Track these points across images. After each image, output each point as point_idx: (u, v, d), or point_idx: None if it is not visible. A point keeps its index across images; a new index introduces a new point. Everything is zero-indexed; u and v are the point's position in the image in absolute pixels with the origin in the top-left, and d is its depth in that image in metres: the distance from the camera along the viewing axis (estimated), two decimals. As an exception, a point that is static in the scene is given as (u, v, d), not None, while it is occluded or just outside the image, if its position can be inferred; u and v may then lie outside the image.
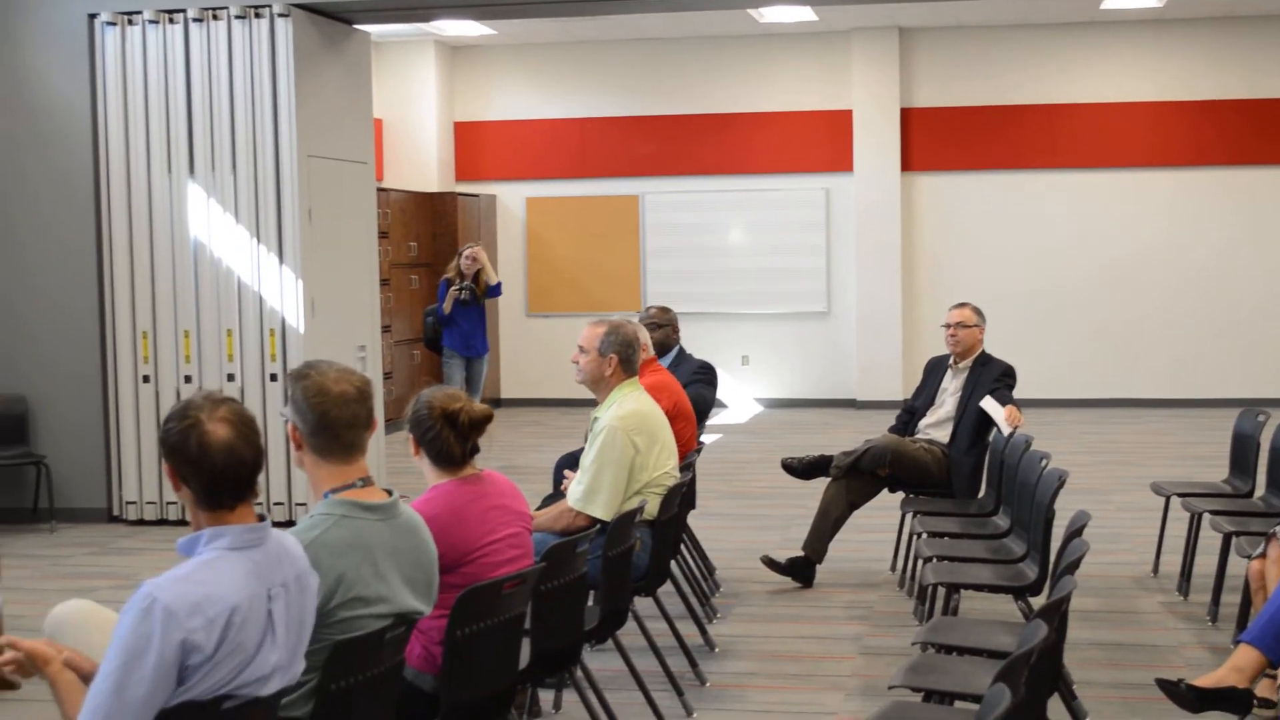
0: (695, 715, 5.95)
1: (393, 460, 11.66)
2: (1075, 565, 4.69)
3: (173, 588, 3.16)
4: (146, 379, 10.37)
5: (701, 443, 7.85)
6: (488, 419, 4.54)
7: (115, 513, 10.52)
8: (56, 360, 10.53)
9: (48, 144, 10.48)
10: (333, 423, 3.85)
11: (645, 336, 7.20)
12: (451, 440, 4.48)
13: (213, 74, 10.20)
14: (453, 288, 12.63)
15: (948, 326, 8.42)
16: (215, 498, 3.33)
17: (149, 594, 3.14)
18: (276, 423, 10.01)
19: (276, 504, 10.20)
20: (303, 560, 3.49)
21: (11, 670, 3.52)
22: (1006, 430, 7.67)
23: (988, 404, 7.98)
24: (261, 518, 3.41)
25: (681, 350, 8.52)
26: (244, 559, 3.30)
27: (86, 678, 3.39)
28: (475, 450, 4.55)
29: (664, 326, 8.40)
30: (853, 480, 8.20)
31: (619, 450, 6.03)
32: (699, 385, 8.19)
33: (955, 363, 8.41)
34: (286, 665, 3.37)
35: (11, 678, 6.34)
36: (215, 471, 3.30)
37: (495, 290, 12.96)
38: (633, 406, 6.20)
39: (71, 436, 10.54)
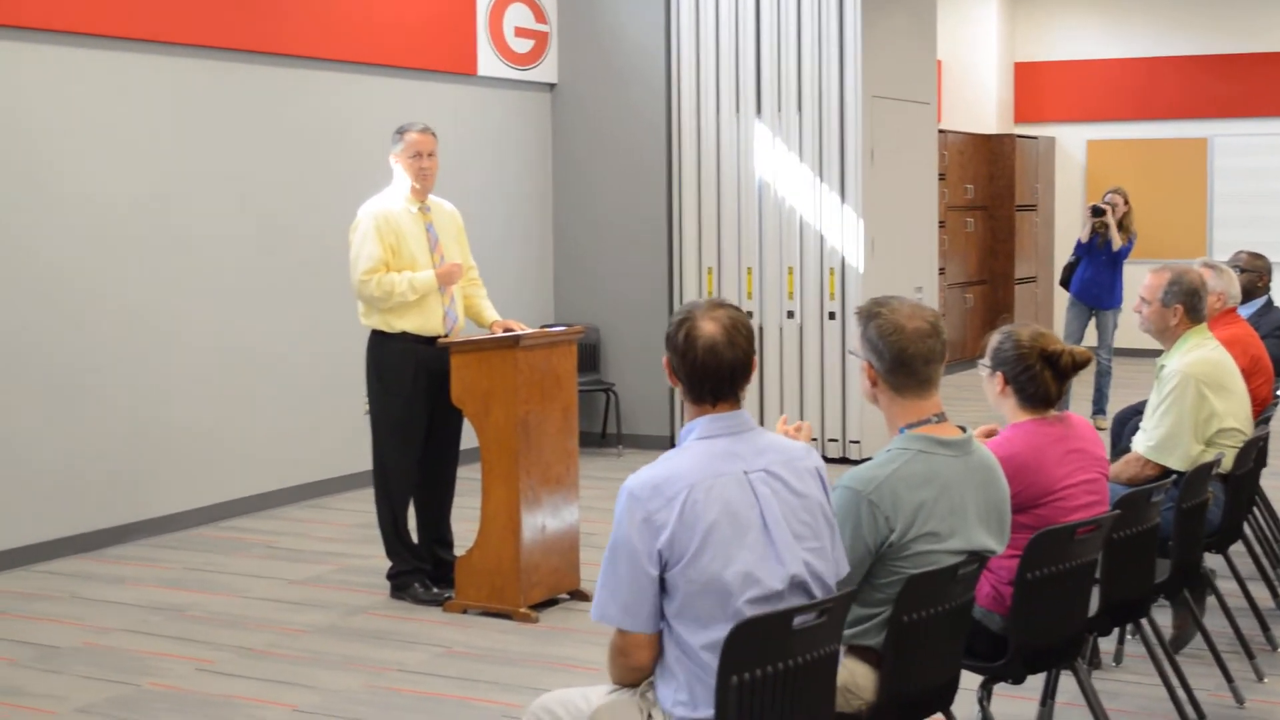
0: (1266, 681, 5.69)
1: (946, 403, 11.57)
2: None
3: (639, 476, 3.37)
4: (710, 313, 10.70)
5: (1278, 397, 7.45)
6: (1087, 362, 4.50)
7: (675, 441, 10.92)
8: (626, 293, 11.03)
9: (625, 84, 10.96)
10: (910, 359, 3.88)
11: (1223, 284, 6.88)
12: (1049, 380, 4.44)
13: (781, 15, 10.40)
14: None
15: None
16: (697, 391, 3.51)
17: (624, 486, 3.37)
18: (833, 360, 10.20)
19: (830, 440, 10.39)
20: (796, 451, 3.51)
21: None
22: None
23: None
24: None
25: (1269, 301, 8.03)
26: (711, 444, 3.43)
27: None
28: (1065, 393, 4.52)
29: (1249, 273, 7.97)
30: None
31: (1190, 398, 5.80)
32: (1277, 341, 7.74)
33: None
34: (798, 557, 3.37)
35: (529, 612, 6.70)
36: (696, 365, 3.49)
37: (1124, 250, 11.73)
38: (1202, 354, 5.95)
39: (638, 366, 11.04)
